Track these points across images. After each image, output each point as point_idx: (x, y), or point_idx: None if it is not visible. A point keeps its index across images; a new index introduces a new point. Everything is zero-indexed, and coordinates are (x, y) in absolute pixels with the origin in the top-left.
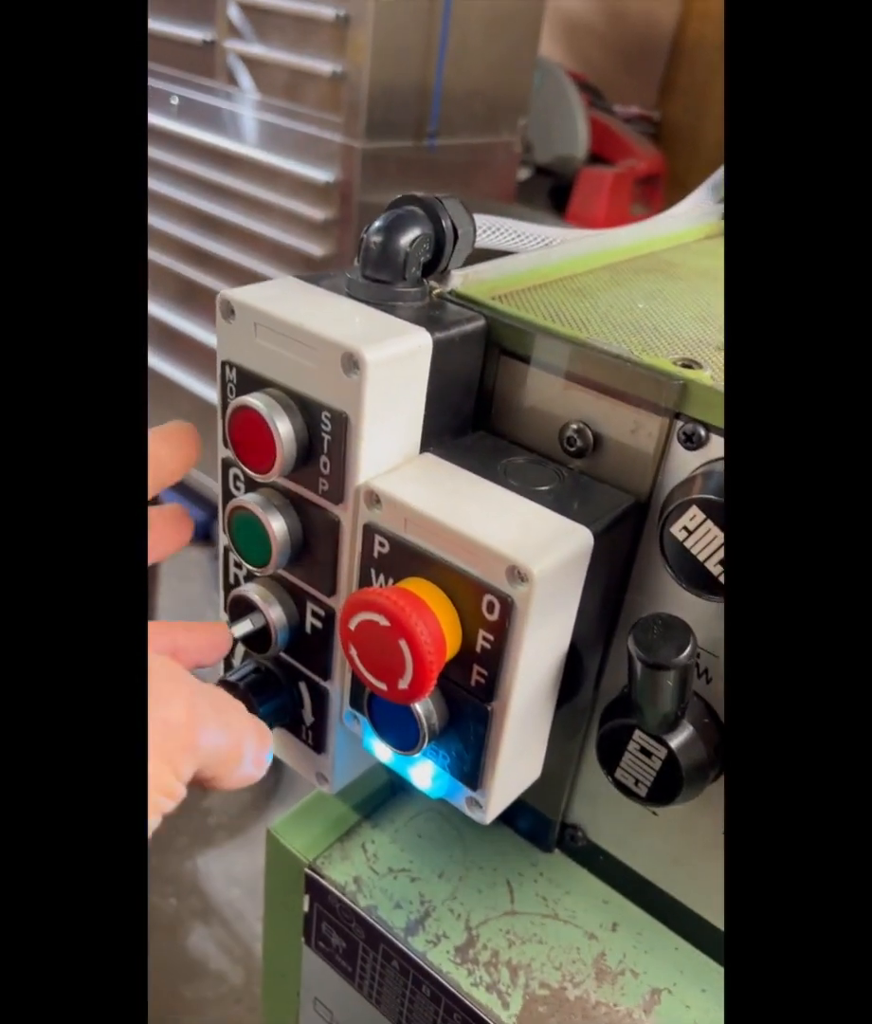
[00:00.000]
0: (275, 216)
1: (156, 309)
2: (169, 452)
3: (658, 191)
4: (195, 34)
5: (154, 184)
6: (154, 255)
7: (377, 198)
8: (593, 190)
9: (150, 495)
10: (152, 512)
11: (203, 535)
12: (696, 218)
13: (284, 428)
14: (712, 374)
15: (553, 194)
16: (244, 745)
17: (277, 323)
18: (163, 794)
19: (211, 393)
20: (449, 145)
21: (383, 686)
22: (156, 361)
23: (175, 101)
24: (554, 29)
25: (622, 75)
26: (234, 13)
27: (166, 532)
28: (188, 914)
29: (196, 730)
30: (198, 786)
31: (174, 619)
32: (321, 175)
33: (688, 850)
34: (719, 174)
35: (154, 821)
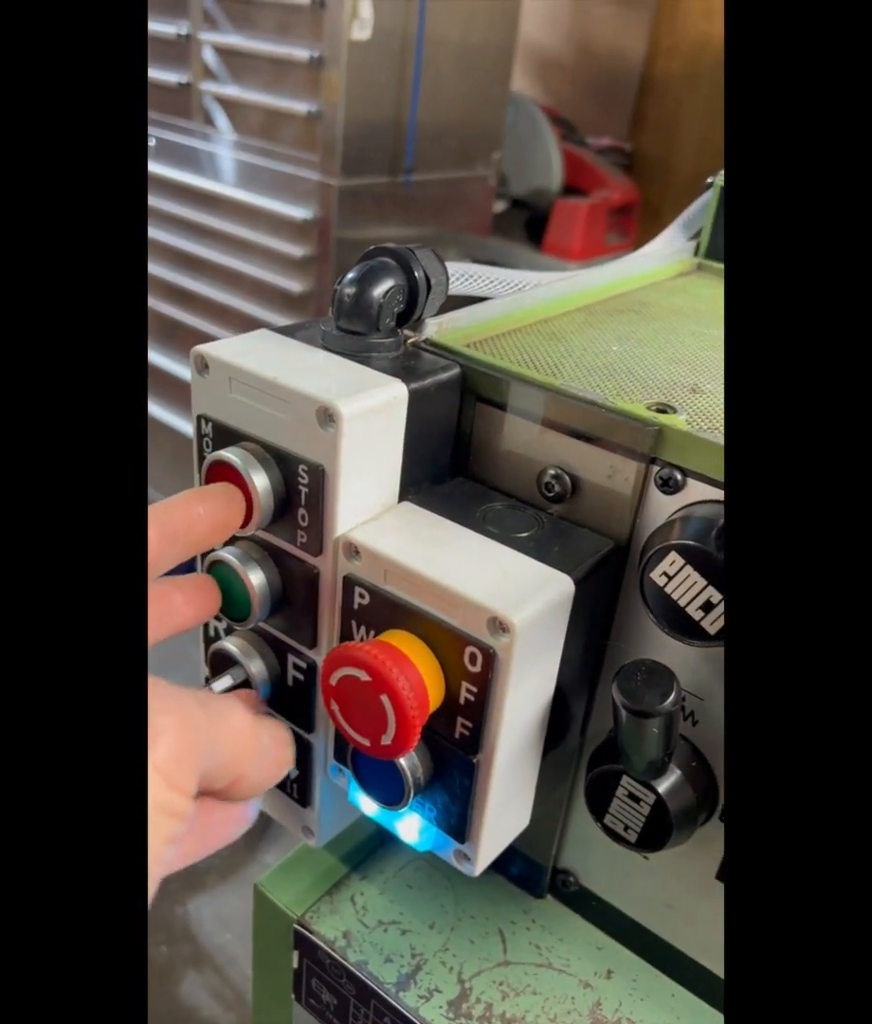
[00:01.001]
0: (254, 254)
1: None
2: (184, 599)
3: (632, 220)
4: (171, 77)
5: None
6: None
7: (355, 234)
8: (568, 221)
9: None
10: (180, 580)
11: (188, 570)
12: (668, 256)
13: (261, 482)
14: (687, 418)
15: (529, 225)
16: (251, 751)
17: (252, 378)
18: (165, 813)
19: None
20: (425, 180)
21: (366, 742)
22: None
23: (153, 142)
24: (525, 65)
25: (593, 108)
26: (209, 56)
27: (195, 599)
28: (180, 961)
29: (192, 754)
30: (217, 797)
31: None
32: (299, 213)
33: (681, 894)
34: (690, 211)
35: (162, 846)
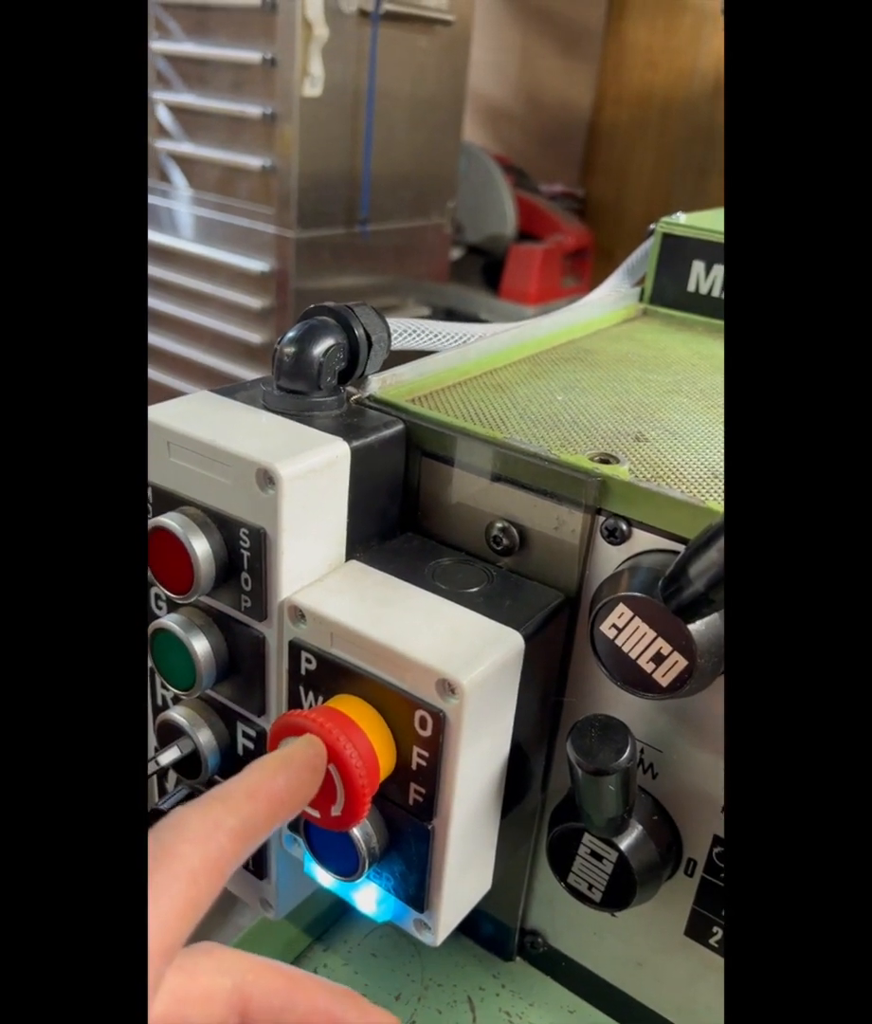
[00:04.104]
0: (213, 307)
1: None
2: (286, 786)
3: (587, 263)
4: None
5: None
6: None
7: (314, 285)
8: (524, 266)
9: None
10: (288, 753)
11: None
12: (613, 302)
13: (201, 547)
14: (630, 467)
15: (486, 271)
16: None
17: (190, 441)
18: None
19: None
20: (382, 230)
21: (316, 813)
22: None
23: None
24: (477, 116)
25: (544, 156)
26: (164, 114)
27: (306, 779)
28: None
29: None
30: None
31: None
32: (257, 265)
33: (651, 952)
34: (633, 257)
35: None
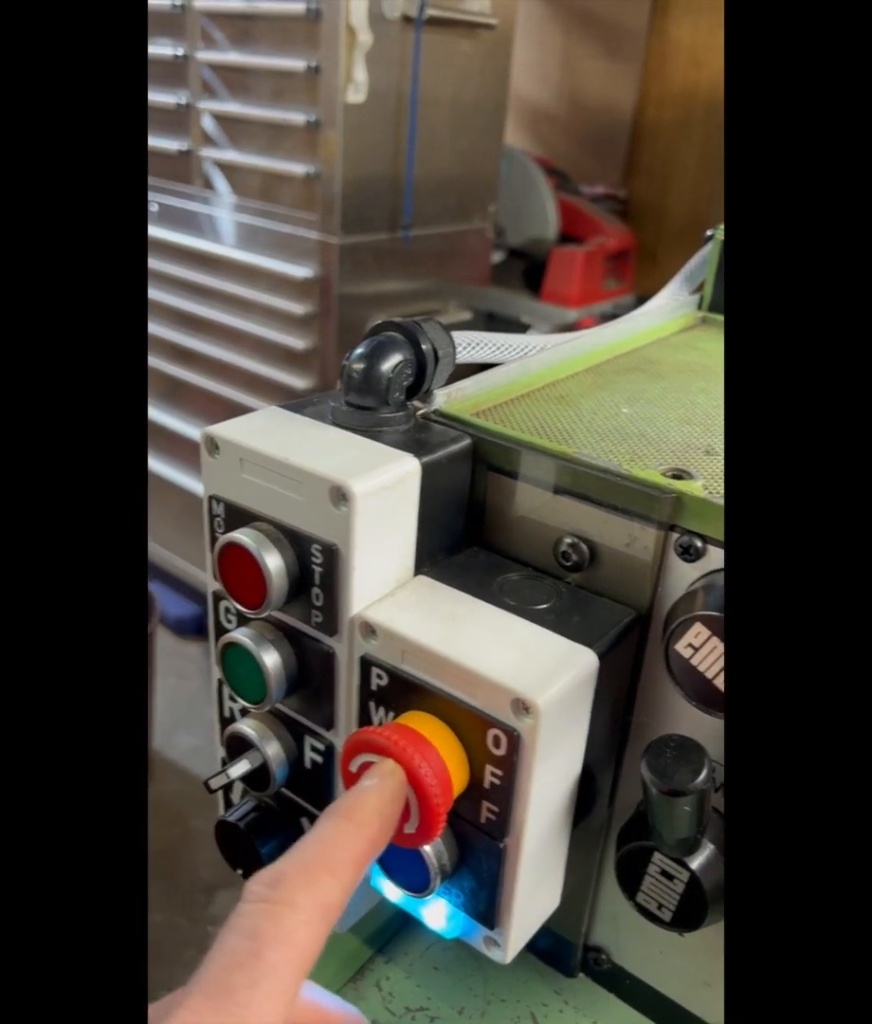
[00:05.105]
0: (257, 312)
1: None
2: (380, 843)
3: (629, 265)
4: (172, 144)
5: None
6: None
7: (356, 290)
8: (566, 268)
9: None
10: (382, 806)
11: (197, 629)
12: (672, 311)
13: (274, 563)
14: (704, 483)
15: (527, 274)
16: None
17: (263, 458)
18: None
19: (200, 487)
20: (424, 235)
21: None
22: None
23: (155, 208)
24: (518, 119)
25: (586, 158)
26: (208, 123)
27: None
28: None
29: None
30: None
31: (172, 718)
32: (300, 271)
33: (719, 971)
34: (691, 264)
35: None
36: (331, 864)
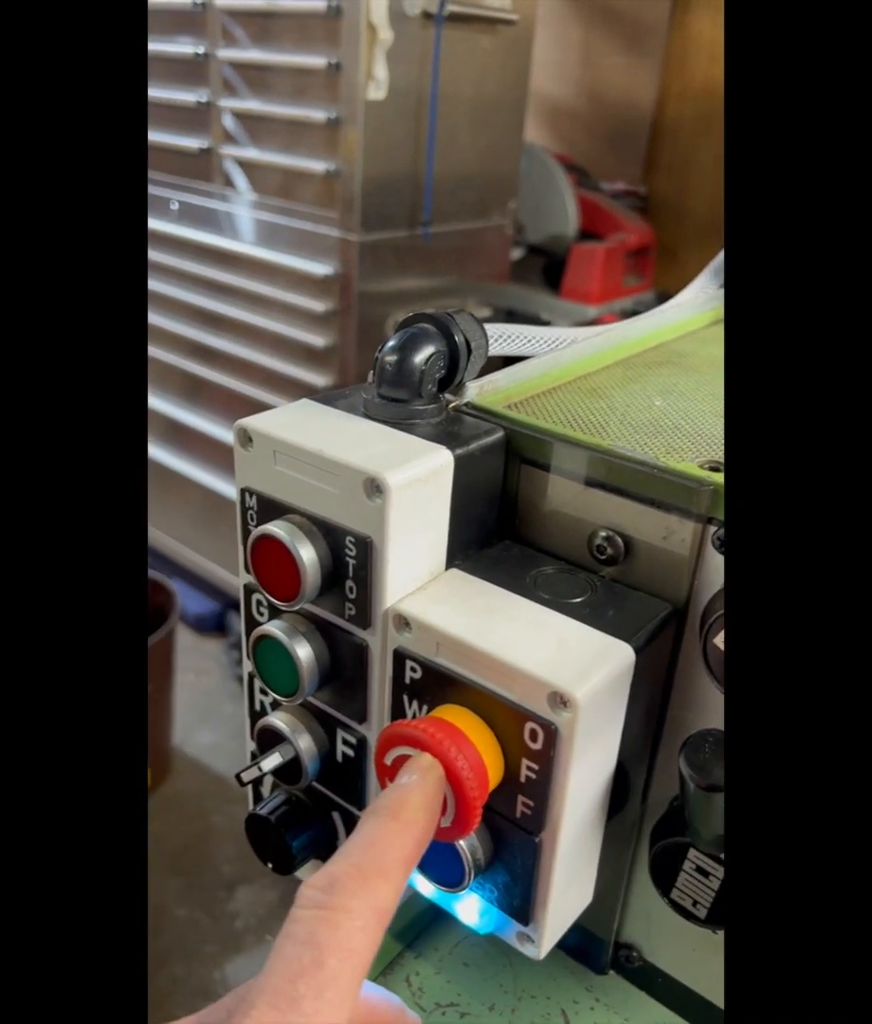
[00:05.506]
0: (276, 310)
1: (163, 404)
2: (425, 841)
3: (649, 262)
4: (193, 142)
5: (157, 285)
6: (160, 353)
7: (376, 287)
8: (586, 265)
9: None
10: (426, 802)
11: (217, 626)
12: (701, 305)
13: (307, 555)
14: None
15: (547, 271)
16: None
17: (296, 450)
18: None
19: (219, 484)
20: (443, 232)
21: None
22: (164, 455)
23: (175, 206)
24: (538, 115)
25: (606, 154)
26: (229, 121)
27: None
28: None
29: None
30: None
31: (192, 714)
32: (320, 268)
33: None
34: (719, 258)
35: None
36: (383, 866)
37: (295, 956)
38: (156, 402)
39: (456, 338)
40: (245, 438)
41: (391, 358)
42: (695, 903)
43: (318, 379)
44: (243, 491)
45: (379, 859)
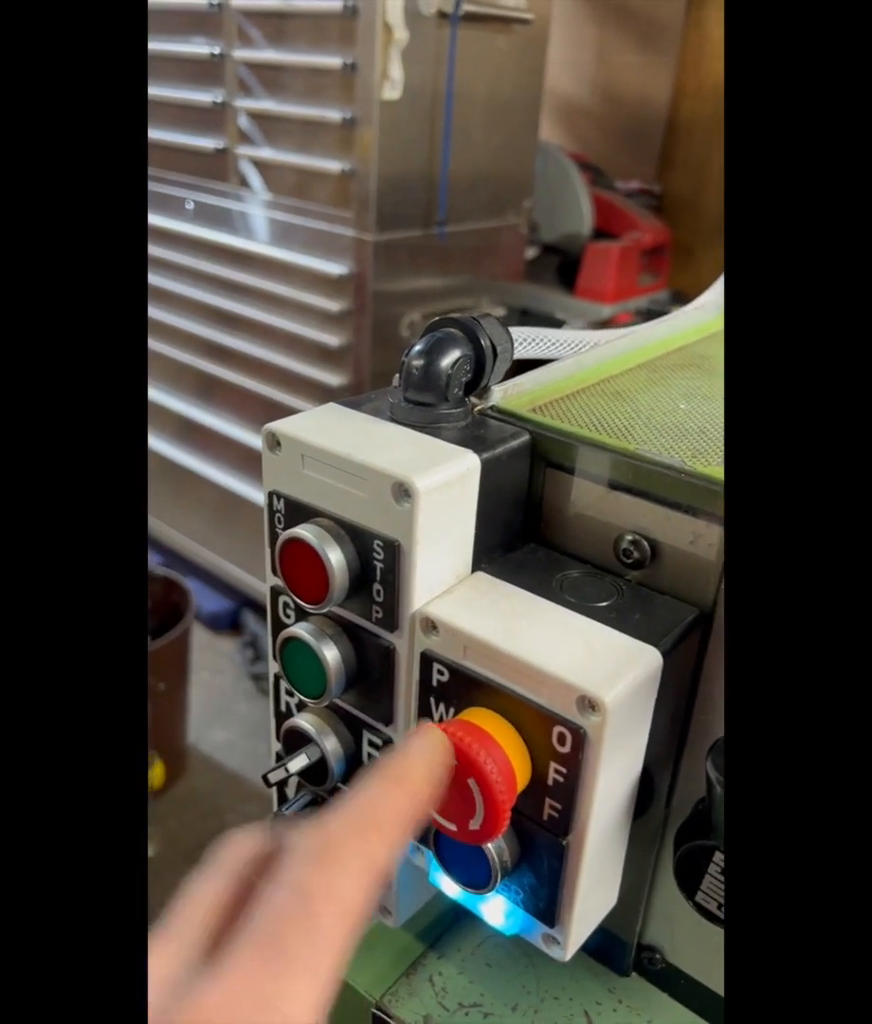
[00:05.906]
0: (290, 309)
1: (178, 403)
2: (427, 802)
3: (664, 260)
4: (208, 143)
5: (172, 284)
6: (175, 352)
7: (391, 287)
8: (600, 264)
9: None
10: (430, 766)
11: (231, 625)
12: (722, 306)
13: (336, 558)
14: None
15: (561, 270)
16: None
17: (324, 454)
18: None
19: (234, 484)
20: (458, 231)
21: (453, 827)
22: (178, 454)
23: (190, 206)
24: (553, 114)
25: (621, 153)
26: (244, 121)
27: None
28: None
29: None
30: None
31: (207, 712)
32: (335, 268)
33: None
34: None
35: None
36: (380, 823)
37: (283, 901)
38: (171, 401)
39: (482, 342)
40: (274, 442)
41: (418, 362)
42: (720, 905)
43: (332, 379)
44: (271, 494)
45: (376, 817)
